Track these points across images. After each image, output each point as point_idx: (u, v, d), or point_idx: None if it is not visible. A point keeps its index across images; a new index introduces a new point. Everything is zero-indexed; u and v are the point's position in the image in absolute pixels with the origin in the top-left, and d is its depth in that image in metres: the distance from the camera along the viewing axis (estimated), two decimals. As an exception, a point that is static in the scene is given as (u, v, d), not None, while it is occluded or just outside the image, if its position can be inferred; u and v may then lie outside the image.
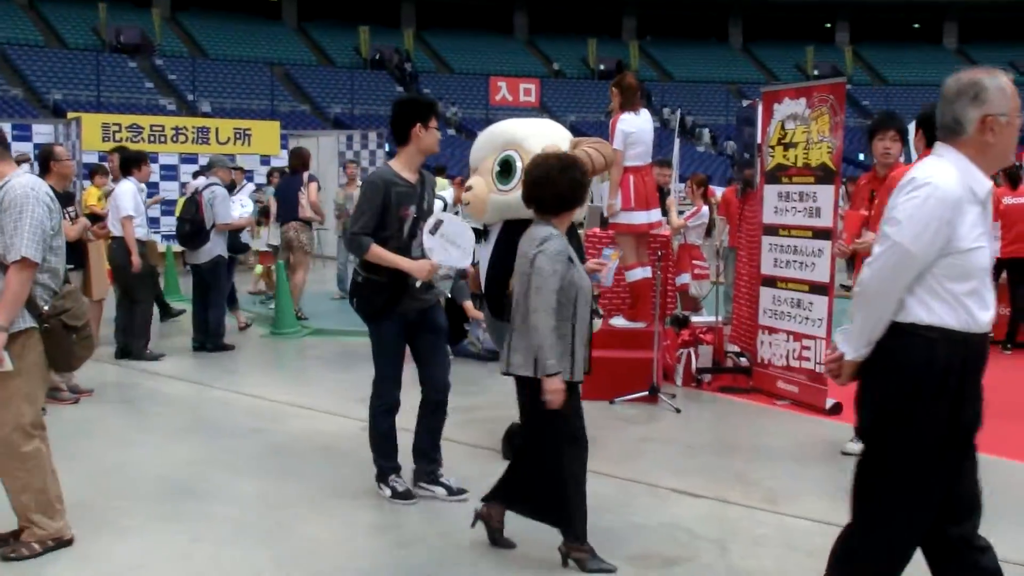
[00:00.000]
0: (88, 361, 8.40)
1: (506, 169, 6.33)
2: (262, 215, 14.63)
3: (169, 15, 49.37)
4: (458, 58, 53.69)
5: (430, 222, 5.43)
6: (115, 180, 10.31)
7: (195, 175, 13.78)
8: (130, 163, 10.39)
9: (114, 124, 19.35)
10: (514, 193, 6.03)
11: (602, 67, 54.22)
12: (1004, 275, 10.87)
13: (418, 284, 5.53)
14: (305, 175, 12.71)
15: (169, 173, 19.34)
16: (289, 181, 12.88)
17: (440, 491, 5.78)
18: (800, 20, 58.93)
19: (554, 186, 4.74)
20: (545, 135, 6.56)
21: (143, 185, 10.70)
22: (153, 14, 47.15)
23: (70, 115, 20.29)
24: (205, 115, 37.43)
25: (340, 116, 44.59)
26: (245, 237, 12.08)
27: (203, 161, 15.69)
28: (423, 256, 5.53)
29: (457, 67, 53.13)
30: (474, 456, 6.74)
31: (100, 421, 7.63)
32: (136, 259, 9.85)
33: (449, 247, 5.42)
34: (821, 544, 5.17)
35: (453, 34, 54.69)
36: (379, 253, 5.44)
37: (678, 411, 7.99)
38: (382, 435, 5.79)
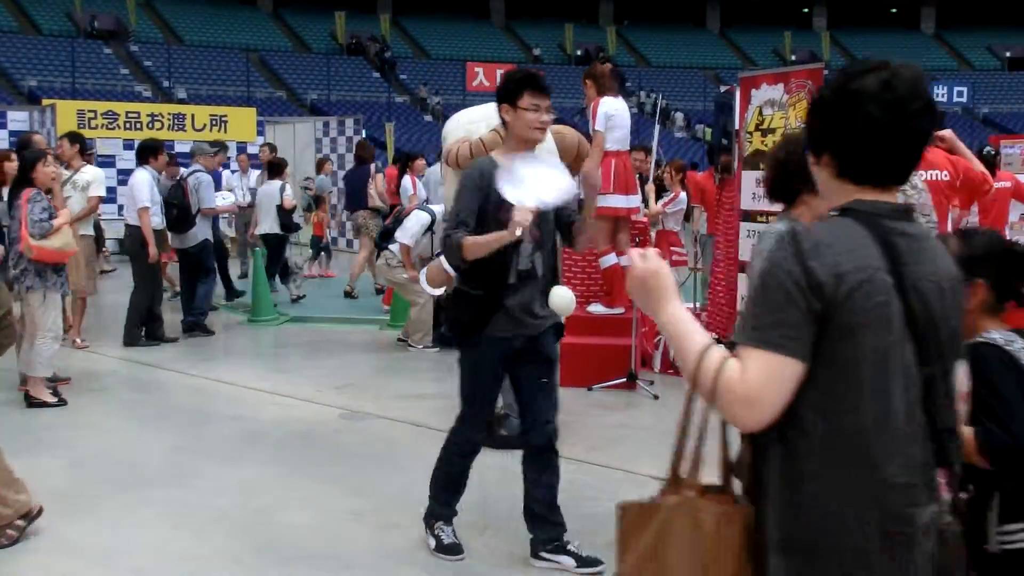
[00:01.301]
0: (64, 349, 8.39)
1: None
2: (316, 203, 15.45)
3: (144, 1, 48.99)
4: (435, 43, 53.52)
5: (503, 176, 4.27)
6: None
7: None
8: (147, 152, 10.43)
9: (89, 111, 19.15)
10: None
11: (579, 52, 54.19)
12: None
13: (524, 241, 4.38)
14: (371, 166, 13.77)
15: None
16: (356, 172, 13.91)
17: (568, 561, 4.69)
18: (777, 5, 59.05)
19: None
20: (455, 131, 6.51)
21: (159, 174, 10.58)
22: (128, 0, 46.77)
23: (45, 102, 20.12)
24: (181, 102, 37.21)
25: (316, 102, 44.40)
26: (297, 218, 13.19)
27: (180, 148, 15.63)
28: (530, 274, 4.54)
29: (434, 53, 52.97)
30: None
31: (77, 409, 7.58)
32: (153, 249, 9.93)
33: (537, 186, 4.25)
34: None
35: (430, 19, 54.51)
36: (476, 241, 4.36)
37: (656, 397, 8.01)
38: (451, 478, 4.86)
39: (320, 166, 18.15)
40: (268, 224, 12.70)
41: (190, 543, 4.98)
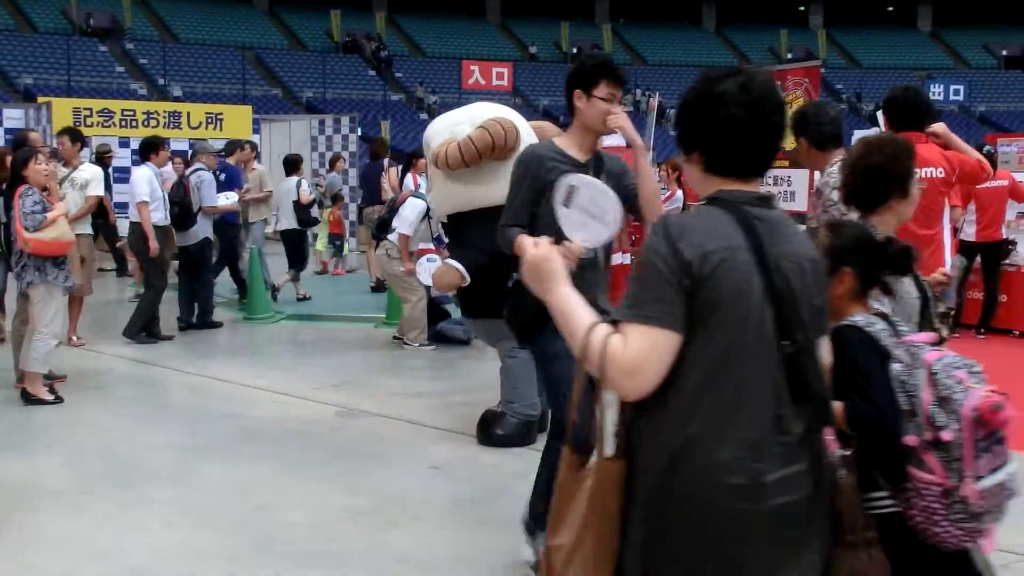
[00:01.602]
0: (63, 346, 8.37)
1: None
2: (333, 201, 15.67)
3: (139, -2, 48.95)
4: (430, 41, 53.47)
5: (560, 190, 3.78)
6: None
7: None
8: (148, 148, 10.49)
9: (85, 109, 19.14)
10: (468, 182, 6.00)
11: (575, 50, 54.14)
12: (978, 259, 10.93)
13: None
14: (384, 161, 14.11)
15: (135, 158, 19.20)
16: (371, 167, 14.27)
17: None
18: (773, 3, 59.03)
19: None
20: (441, 132, 6.49)
21: (160, 170, 10.57)
22: (123, -3, 46.73)
23: (41, 99, 20.08)
24: (176, 100, 37.14)
25: (312, 100, 44.33)
26: (315, 212, 13.35)
27: (176, 146, 15.60)
28: (592, 263, 4.16)
29: (429, 51, 52.91)
30: (448, 440, 6.73)
31: (74, 407, 7.57)
32: (153, 244, 9.96)
33: (589, 221, 3.80)
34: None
35: (425, 17, 54.44)
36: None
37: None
38: None
39: (333, 163, 18.19)
40: (286, 220, 12.84)
41: (186, 540, 4.97)
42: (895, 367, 2.66)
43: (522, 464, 6.18)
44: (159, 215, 10.20)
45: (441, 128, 6.62)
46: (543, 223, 4.00)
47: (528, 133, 6.61)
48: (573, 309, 2.30)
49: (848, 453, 2.50)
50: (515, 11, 56.81)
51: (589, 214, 3.76)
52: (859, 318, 2.76)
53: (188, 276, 11.02)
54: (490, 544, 4.96)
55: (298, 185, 12.79)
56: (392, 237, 9.75)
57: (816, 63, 8.75)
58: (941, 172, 5.71)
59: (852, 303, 2.83)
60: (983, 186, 10.93)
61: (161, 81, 42.13)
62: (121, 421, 7.31)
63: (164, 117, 19.84)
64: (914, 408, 2.59)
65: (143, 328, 10.21)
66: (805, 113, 5.09)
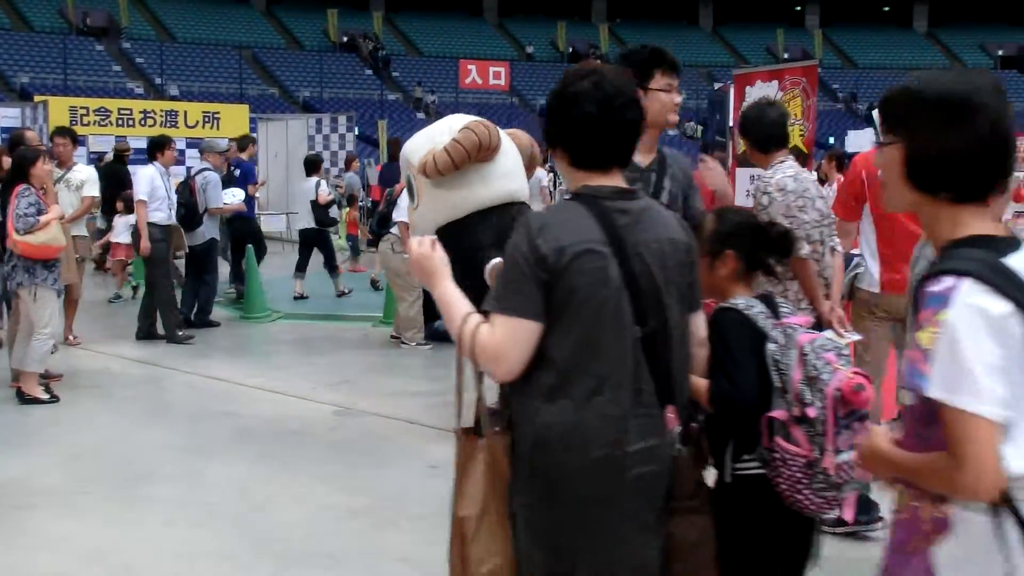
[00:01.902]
0: (61, 345, 8.36)
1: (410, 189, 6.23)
2: (348, 202, 15.68)
3: (136, -3, 48.88)
4: (427, 41, 53.46)
5: None
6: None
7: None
8: (154, 147, 10.50)
9: (81, 107, 19.16)
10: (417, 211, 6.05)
11: (572, 50, 54.15)
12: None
13: None
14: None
15: (138, 157, 19.14)
16: (390, 167, 14.46)
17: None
18: (770, 3, 59.07)
19: None
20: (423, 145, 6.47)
21: (166, 169, 10.48)
22: (119, -4, 46.68)
23: (37, 98, 20.02)
24: (173, 98, 37.10)
25: (309, 100, 44.29)
26: (333, 212, 13.37)
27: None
28: None
29: (426, 50, 52.91)
30: (446, 439, 6.70)
31: (70, 406, 7.56)
32: (145, 243, 9.93)
33: None
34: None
35: (422, 16, 54.43)
36: None
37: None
38: None
39: (349, 163, 18.23)
40: (304, 220, 12.88)
41: (183, 540, 4.96)
42: (770, 347, 2.79)
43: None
44: (162, 214, 10.14)
45: (421, 143, 6.56)
46: None
47: (507, 139, 6.62)
48: (452, 301, 2.54)
49: (692, 427, 2.66)
50: (512, 11, 56.82)
51: None
52: (739, 300, 2.88)
53: (193, 276, 11.02)
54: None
55: (317, 185, 12.78)
56: (395, 230, 9.74)
57: (813, 62, 8.76)
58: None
59: (735, 284, 2.95)
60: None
61: (158, 80, 42.10)
62: (118, 420, 7.30)
63: (161, 116, 19.84)
64: (785, 385, 2.73)
65: (179, 320, 10.30)
66: (747, 115, 5.10)
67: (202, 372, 8.85)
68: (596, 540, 2.47)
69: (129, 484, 5.78)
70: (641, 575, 2.52)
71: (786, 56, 51.58)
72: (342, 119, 19.45)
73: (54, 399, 7.58)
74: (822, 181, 11.45)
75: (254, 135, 14.85)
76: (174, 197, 10.41)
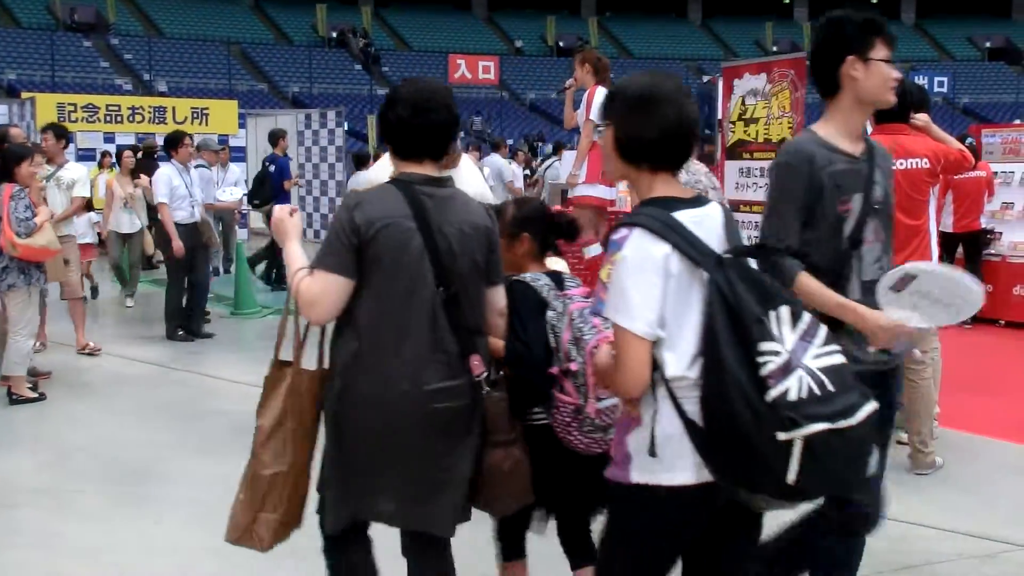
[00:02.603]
0: (49, 343, 8.34)
1: None
2: None
3: (123, -7, 48.68)
4: (417, 36, 53.36)
5: (892, 276, 3.25)
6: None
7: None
8: (168, 144, 10.37)
9: (69, 104, 19.05)
10: None
11: (561, 44, 54.11)
12: (960, 250, 10.96)
13: (870, 351, 3.28)
14: None
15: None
16: None
17: None
18: (759, -4, 59.13)
19: None
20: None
21: (184, 165, 10.26)
22: (107, -8, 46.48)
23: (24, 95, 19.98)
24: (162, 94, 36.97)
25: (298, 95, 44.21)
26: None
27: (161, 141, 15.57)
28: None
29: (416, 44, 52.82)
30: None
31: (60, 404, 7.54)
32: (177, 244, 9.84)
33: (931, 308, 3.19)
34: (785, 521, 5.21)
35: (411, 11, 54.33)
36: (810, 288, 3.24)
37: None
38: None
39: (377, 159, 18.36)
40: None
41: (174, 538, 4.95)
42: (549, 314, 3.32)
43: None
44: (183, 213, 10.04)
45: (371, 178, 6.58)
46: (815, 237, 3.33)
47: (467, 161, 6.58)
48: (294, 258, 3.11)
49: (500, 376, 3.23)
50: (501, 4, 56.74)
51: (930, 299, 3.18)
52: (529, 275, 3.43)
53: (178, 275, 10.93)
54: (487, 543, 4.95)
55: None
56: None
57: (801, 55, 8.75)
58: (926, 163, 5.73)
59: (530, 261, 3.51)
60: (960, 176, 11.00)
61: (146, 76, 41.95)
62: (108, 418, 7.28)
63: (149, 112, 19.76)
64: (558, 345, 3.26)
65: (179, 322, 10.21)
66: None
67: (193, 369, 8.83)
68: (396, 461, 3.06)
69: (121, 482, 5.76)
70: (436, 491, 3.09)
71: (775, 49, 51.60)
72: (331, 114, 19.39)
73: (41, 397, 7.56)
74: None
75: (284, 129, 14.75)
76: (197, 193, 10.26)
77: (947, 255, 10.86)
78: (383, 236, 2.97)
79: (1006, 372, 8.71)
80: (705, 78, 17.14)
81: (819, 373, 2.38)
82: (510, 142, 25.45)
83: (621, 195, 10.13)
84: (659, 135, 2.60)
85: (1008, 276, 11.04)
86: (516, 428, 3.23)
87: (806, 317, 2.46)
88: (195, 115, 19.97)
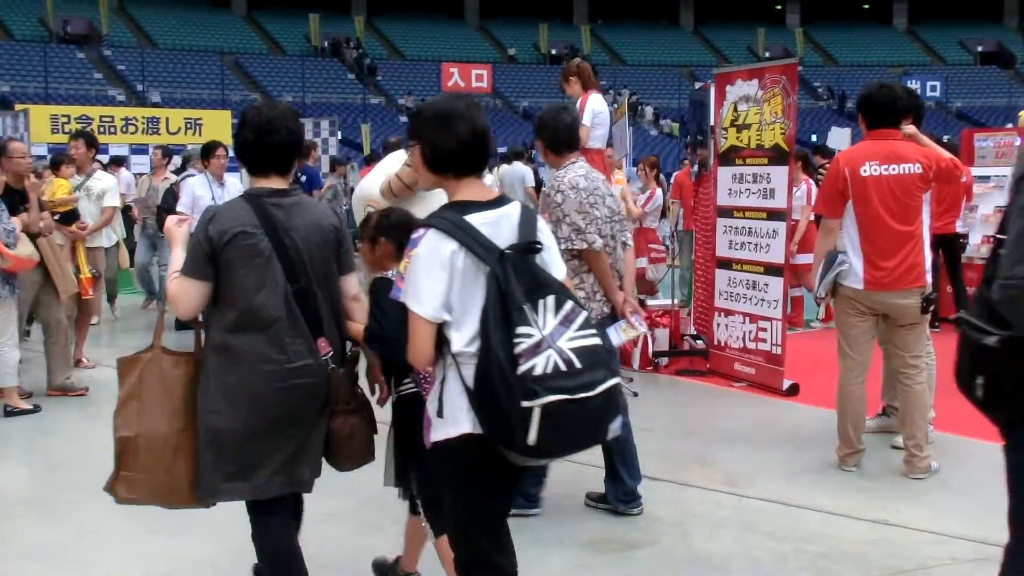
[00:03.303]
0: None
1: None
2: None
3: (116, 5, 48.69)
4: (409, 44, 53.43)
5: None
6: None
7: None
8: (202, 156, 9.97)
9: (63, 115, 19.11)
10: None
11: (554, 51, 54.21)
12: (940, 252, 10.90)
13: None
14: None
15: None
16: None
17: None
18: (751, 2, 59.25)
19: None
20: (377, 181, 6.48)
21: (215, 177, 9.86)
22: (100, 4, 46.43)
23: (18, 107, 19.96)
24: (155, 105, 36.98)
25: (292, 105, 44.24)
26: None
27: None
28: None
29: (409, 53, 52.88)
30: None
31: (53, 415, 7.50)
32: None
33: None
34: (780, 525, 5.20)
35: (404, 20, 54.41)
36: None
37: (635, 395, 7.99)
38: None
39: (333, 168, 18.27)
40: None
41: (167, 547, 4.93)
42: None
43: (505, 466, 6.17)
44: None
45: (375, 180, 6.56)
46: None
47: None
48: (174, 262, 3.63)
49: (349, 354, 3.77)
50: (493, 13, 56.85)
51: None
52: (390, 272, 3.79)
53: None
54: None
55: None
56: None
57: (793, 60, 8.75)
58: (918, 168, 5.73)
59: (390, 262, 3.88)
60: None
61: (140, 87, 41.97)
62: (100, 429, 7.18)
63: (143, 123, 19.80)
64: None
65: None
66: (543, 119, 5.32)
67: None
68: (266, 428, 3.55)
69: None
70: (301, 457, 3.64)
71: (767, 55, 51.73)
72: (325, 123, 19.42)
73: (36, 409, 7.53)
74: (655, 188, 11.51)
75: (315, 140, 14.72)
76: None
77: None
78: (234, 243, 3.47)
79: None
80: (697, 84, 17.20)
81: (569, 352, 2.86)
82: (503, 149, 25.44)
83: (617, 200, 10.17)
84: (457, 147, 3.08)
85: (1002, 280, 11.01)
86: (357, 398, 3.73)
87: (568, 305, 2.94)
88: (188, 125, 20.00)
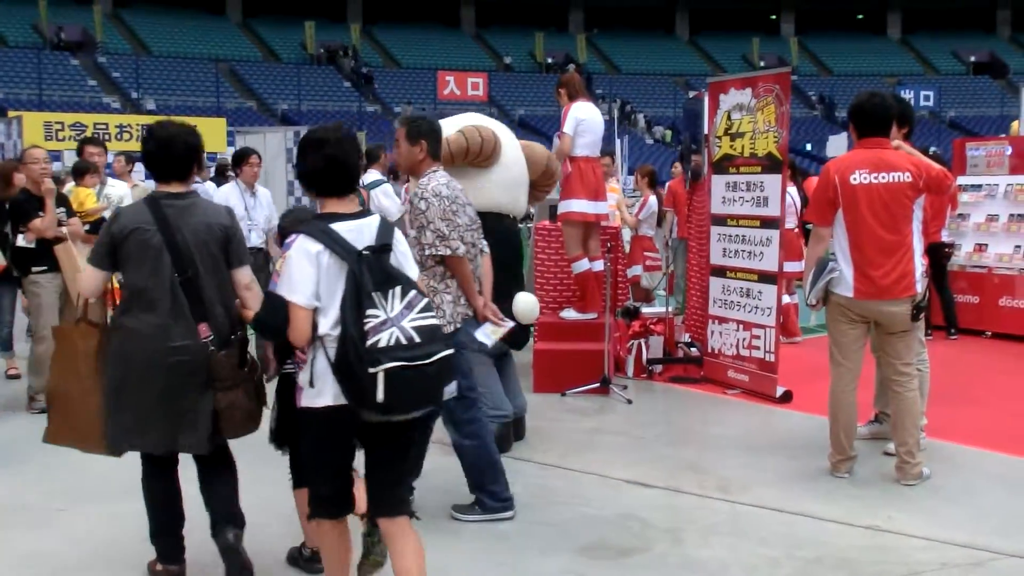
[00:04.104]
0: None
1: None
2: None
3: (111, 11, 48.68)
4: (405, 52, 53.48)
5: None
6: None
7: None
8: (234, 162, 9.61)
9: (56, 122, 19.00)
10: None
11: (550, 60, 54.31)
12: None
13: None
14: None
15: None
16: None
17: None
18: (746, 12, 59.40)
19: None
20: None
21: (247, 185, 9.31)
22: (95, 11, 46.44)
23: (11, 114, 19.93)
24: (150, 113, 36.95)
25: (287, 112, 44.26)
26: None
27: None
28: None
29: (405, 62, 52.92)
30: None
31: (41, 422, 7.47)
32: None
33: None
34: (773, 531, 5.22)
35: (400, 28, 54.46)
36: None
37: (629, 402, 8.01)
38: None
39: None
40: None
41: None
42: None
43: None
44: (252, 236, 9.00)
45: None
46: None
47: (512, 148, 6.80)
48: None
49: (233, 338, 4.29)
50: (489, 21, 56.93)
51: None
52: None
53: None
54: (468, 553, 4.95)
55: None
56: None
57: (786, 69, 8.78)
58: (908, 177, 5.74)
59: None
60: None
61: (134, 94, 41.96)
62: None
63: (137, 131, 19.70)
64: None
65: None
66: (429, 123, 5.41)
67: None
68: (154, 396, 4.17)
69: (104, 500, 5.72)
70: (187, 423, 4.22)
71: (762, 64, 51.84)
72: (319, 131, 19.40)
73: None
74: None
75: (382, 144, 14.54)
76: (258, 217, 9.26)
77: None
78: (131, 237, 4.15)
79: (993, 383, 8.72)
80: (692, 93, 17.22)
81: (410, 330, 3.56)
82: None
83: (611, 209, 10.19)
84: (311, 171, 3.83)
85: (994, 288, 11.08)
86: (237, 377, 4.26)
87: (412, 294, 3.65)
88: (183, 133, 19.95)
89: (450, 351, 3.69)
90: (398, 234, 3.88)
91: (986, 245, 11.41)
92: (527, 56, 55.88)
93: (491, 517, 5.30)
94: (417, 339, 3.56)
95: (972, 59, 58.94)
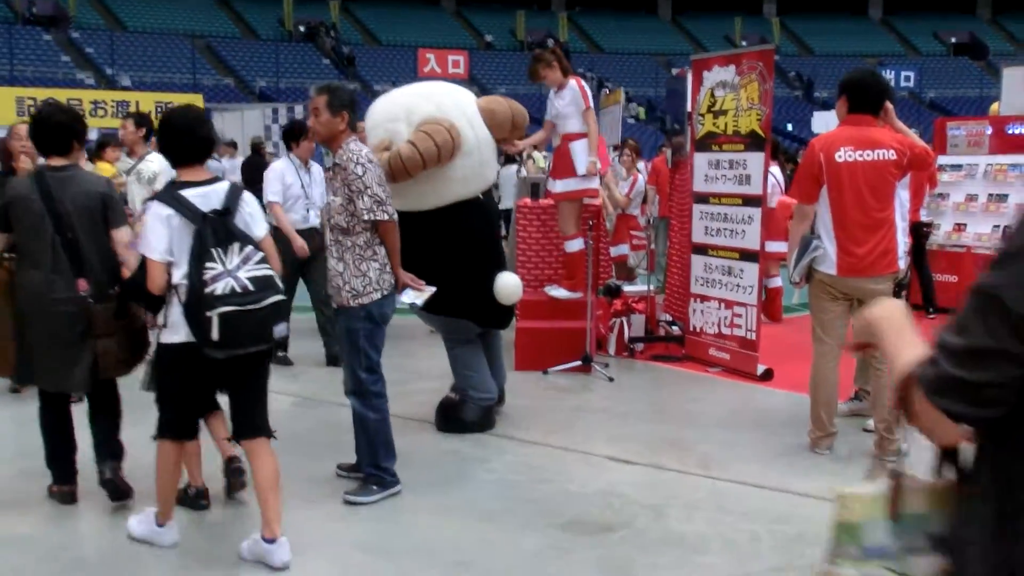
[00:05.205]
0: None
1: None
2: None
3: (86, -14, 48.11)
4: (385, 30, 53.12)
5: None
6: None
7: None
8: (287, 138, 8.95)
9: (29, 98, 18.89)
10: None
11: (531, 39, 54.07)
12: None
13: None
14: None
15: (88, 148, 18.89)
16: None
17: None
18: (727, -8, 59.29)
19: None
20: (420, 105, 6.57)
21: (302, 161, 8.76)
22: (69, -15, 45.89)
23: (-16, 89, 19.70)
24: (125, 89, 36.62)
25: (265, 89, 43.92)
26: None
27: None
28: None
29: (385, 39, 52.59)
30: (406, 428, 6.67)
31: (23, 404, 7.40)
32: (299, 244, 8.38)
33: None
34: (754, 507, 5.24)
35: (380, 5, 54.07)
36: None
37: (611, 380, 8.02)
38: None
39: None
40: (508, 202, 13.61)
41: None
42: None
43: (481, 450, 6.17)
44: (296, 216, 8.59)
45: (378, 122, 6.57)
46: None
47: (472, 128, 6.44)
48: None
49: (111, 293, 4.94)
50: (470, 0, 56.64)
51: None
52: None
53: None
54: (452, 531, 4.94)
55: (518, 171, 14.10)
56: None
57: (771, 47, 8.76)
58: (892, 154, 5.75)
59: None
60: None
61: (109, 70, 41.52)
62: (76, 417, 7.17)
63: (112, 107, 19.64)
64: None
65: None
66: (342, 96, 5.24)
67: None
68: (44, 341, 4.89)
69: (85, 481, 5.68)
70: (69, 364, 4.91)
71: (744, 44, 51.80)
72: (298, 108, 19.31)
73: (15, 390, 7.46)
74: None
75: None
76: (315, 195, 8.71)
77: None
78: (17, 205, 4.86)
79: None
80: (674, 70, 17.16)
81: (244, 280, 4.20)
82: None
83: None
84: (167, 144, 4.53)
85: (973, 267, 11.13)
86: (112, 327, 4.95)
87: (248, 249, 4.29)
88: (159, 109, 19.84)
89: (280, 296, 4.33)
90: (247, 196, 4.51)
91: (965, 225, 11.48)
92: (508, 34, 55.62)
93: (390, 492, 5.34)
94: (251, 288, 4.21)
95: (953, 40, 59.04)
